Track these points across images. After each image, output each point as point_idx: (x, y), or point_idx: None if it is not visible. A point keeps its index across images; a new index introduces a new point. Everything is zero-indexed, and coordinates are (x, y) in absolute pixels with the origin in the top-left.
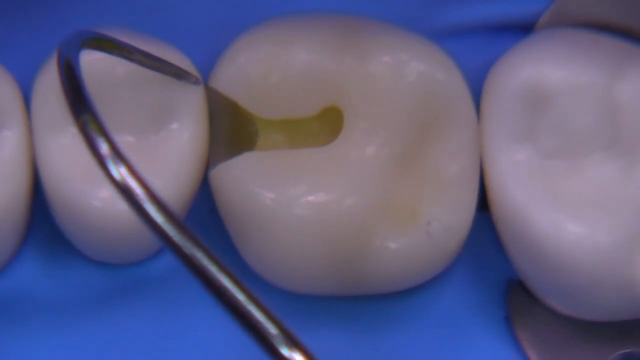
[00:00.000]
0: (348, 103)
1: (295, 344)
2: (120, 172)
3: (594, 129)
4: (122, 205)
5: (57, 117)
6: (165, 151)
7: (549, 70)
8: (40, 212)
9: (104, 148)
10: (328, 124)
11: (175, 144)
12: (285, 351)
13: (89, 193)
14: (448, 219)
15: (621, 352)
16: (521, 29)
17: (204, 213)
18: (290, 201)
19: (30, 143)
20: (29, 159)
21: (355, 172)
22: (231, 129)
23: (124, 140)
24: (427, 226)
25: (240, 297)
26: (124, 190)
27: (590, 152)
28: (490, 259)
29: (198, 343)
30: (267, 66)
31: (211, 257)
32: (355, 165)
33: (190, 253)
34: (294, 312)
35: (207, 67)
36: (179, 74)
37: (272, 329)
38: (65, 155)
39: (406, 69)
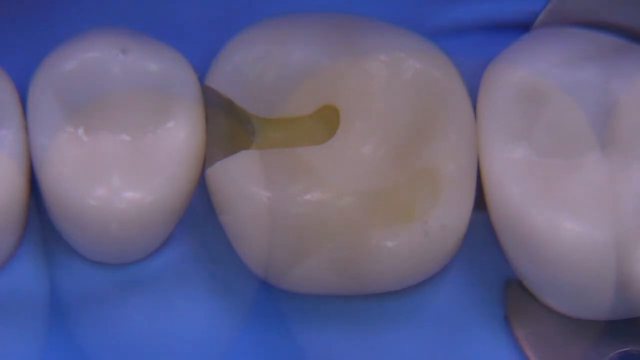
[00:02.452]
0: (344, 101)
1: None
2: None
3: (590, 128)
4: (118, 205)
5: (54, 117)
6: (162, 150)
7: (545, 68)
8: (37, 212)
9: None
10: (324, 122)
11: (172, 143)
12: None
13: (85, 192)
14: (445, 217)
15: (619, 350)
16: (518, 28)
17: (201, 212)
18: (287, 200)
19: (27, 143)
20: (25, 159)
21: (352, 171)
22: (228, 128)
23: (121, 139)
24: (424, 225)
25: None
26: None
27: (587, 151)
28: (487, 258)
29: (195, 341)
30: (263, 65)
31: None
32: (352, 164)
33: None
34: (293, 311)
35: (203, 66)
36: None
37: None
38: (62, 154)
39: (403, 67)
